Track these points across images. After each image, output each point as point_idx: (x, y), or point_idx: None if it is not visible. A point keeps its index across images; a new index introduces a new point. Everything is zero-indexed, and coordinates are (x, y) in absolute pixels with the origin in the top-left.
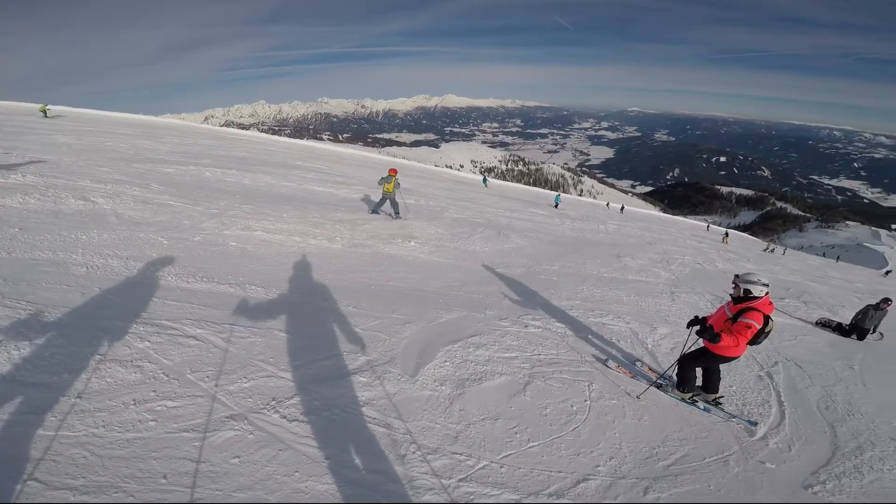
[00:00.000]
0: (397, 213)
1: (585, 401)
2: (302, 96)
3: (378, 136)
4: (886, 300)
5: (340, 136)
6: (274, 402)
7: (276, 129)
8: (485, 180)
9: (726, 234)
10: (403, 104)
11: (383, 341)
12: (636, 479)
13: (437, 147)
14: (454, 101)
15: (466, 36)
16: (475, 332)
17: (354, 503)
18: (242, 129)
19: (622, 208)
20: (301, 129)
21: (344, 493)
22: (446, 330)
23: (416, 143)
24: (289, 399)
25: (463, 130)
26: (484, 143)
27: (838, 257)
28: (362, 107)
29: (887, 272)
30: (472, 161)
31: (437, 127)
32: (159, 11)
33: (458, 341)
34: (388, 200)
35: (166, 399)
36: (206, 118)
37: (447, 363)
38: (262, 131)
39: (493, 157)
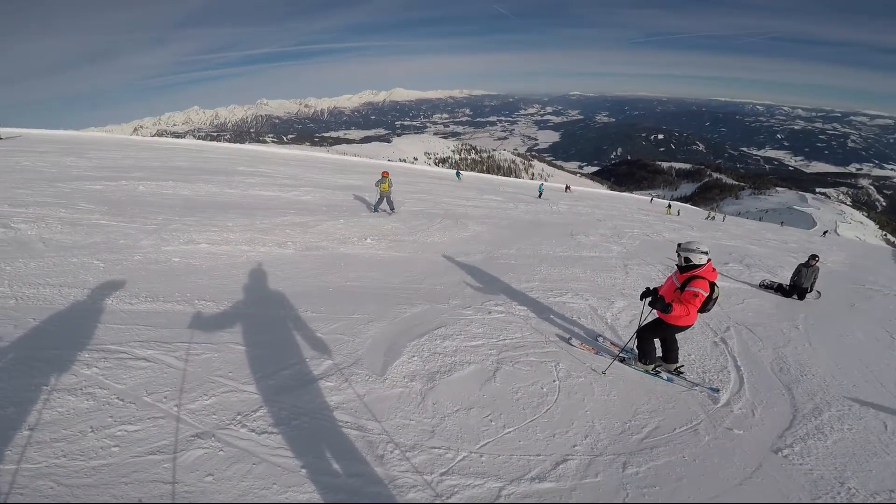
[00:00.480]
0: (392, 209)
1: (554, 381)
2: (239, 99)
3: (325, 134)
4: (814, 256)
5: (285, 138)
6: (240, 417)
7: (215, 134)
8: (458, 174)
9: (669, 206)
10: (350, 101)
11: (347, 343)
12: (613, 456)
13: (388, 142)
14: (403, 94)
15: (410, 28)
16: (440, 323)
17: None
18: (177, 137)
19: (567, 188)
20: (241, 133)
21: (327, 501)
22: (411, 325)
23: (366, 140)
24: (255, 412)
25: (414, 123)
26: (436, 134)
27: (782, 222)
28: (306, 106)
29: (825, 232)
30: (425, 153)
31: (387, 121)
32: (71, 16)
33: (424, 335)
34: (384, 199)
35: (126, 423)
36: (136, 129)
37: (415, 358)
38: (198, 138)
39: (446, 147)
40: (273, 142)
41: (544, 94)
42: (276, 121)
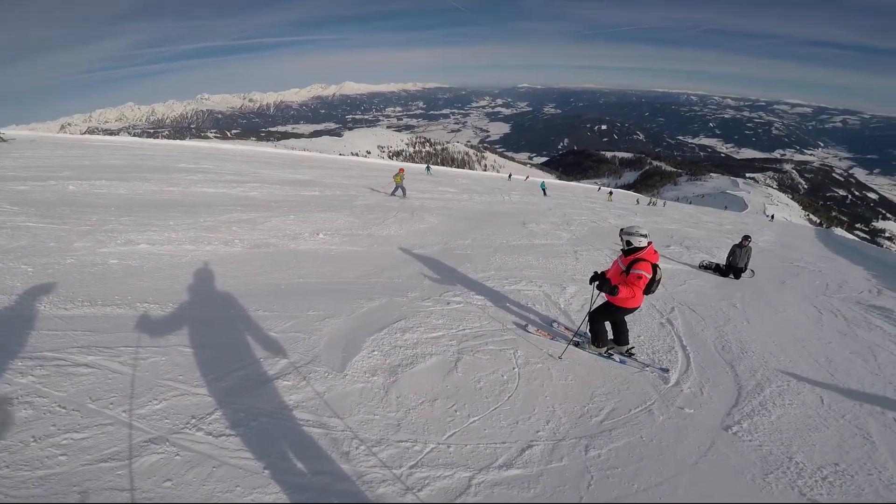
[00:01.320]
0: (404, 195)
1: (514, 368)
2: (178, 95)
3: (272, 129)
4: (746, 237)
5: (229, 133)
6: (194, 420)
7: (151, 131)
8: (428, 168)
9: (610, 193)
10: (297, 95)
11: (302, 341)
12: (575, 439)
13: (339, 136)
14: (354, 88)
15: (362, 22)
16: (400, 316)
17: None
18: (110, 134)
19: (510, 176)
20: (181, 129)
21: (294, 501)
22: (370, 319)
23: (315, 134)
24: (210, 415)
25: (366, 117)
26: (389, 127)
27: (726, 206)
28: (250, 101)
29: (772, 217)
30: (378, 146)
31: (338, 115)
32: None
33: (383, 329)
34: (399, 188)
35: (71, 431)
36: (63, 127)
37: (375, 352)
38: (134, 135)
39: (400, 140)
40: (216, 137)
41: (495, 86)
42: (219, 116)
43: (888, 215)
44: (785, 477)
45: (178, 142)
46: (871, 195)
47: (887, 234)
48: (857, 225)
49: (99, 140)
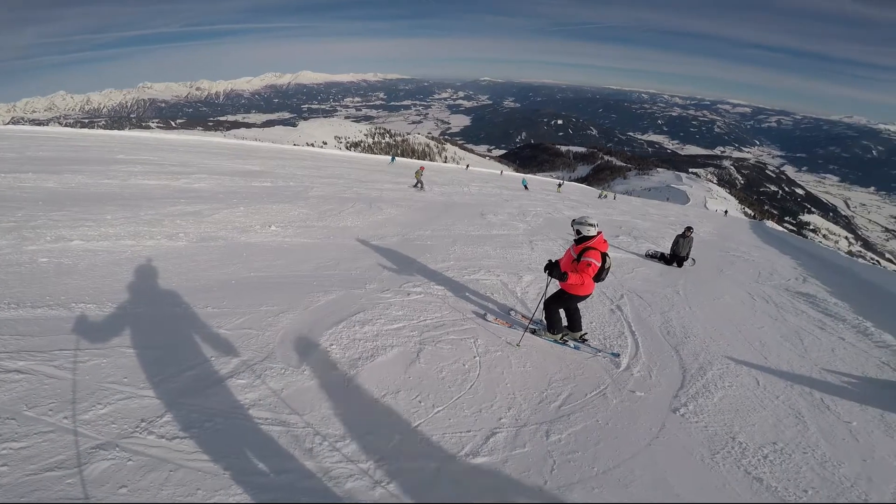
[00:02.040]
0: (422, 188)
1: (475, 357)
2: (117, 83)
3: (221, 118)
4: (689, 228)
5: (173, 123)
6: (144, 424)
7: (86, 121)
8: (393, 158)
9: (559, 185)
10: (249, 83)
11: (256, 337)
12: (536, 425)
13: (294, 126)
14: (310, 77)
15: (321, 10)
16: (358, 308)
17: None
18: (38, 125)
19: (467, 167)
20: (120, 120)
21: (260, 500)
22: (327, 312)
23: (268, 123)
24: (160, 417)
25: (323, 107)
26: (347, 118)
27: (668, 198)
28: (197, 89)
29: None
30: (336, 137)
31: (293, 105)
32: None
33: (341, 322)
34: (419, 182)
35: (9, 441)
36: None
37: (334, 346)
38: (66, 125)
39: (358, 131)
40: (159, 127)
41: (457, 78)
42: (162, 105)
43: (812, 209)
44: (730, 456)
45: (115, 132)
46: (799, 191)
47: (811, 227)
48: (786, 218)
49: (24, 130)
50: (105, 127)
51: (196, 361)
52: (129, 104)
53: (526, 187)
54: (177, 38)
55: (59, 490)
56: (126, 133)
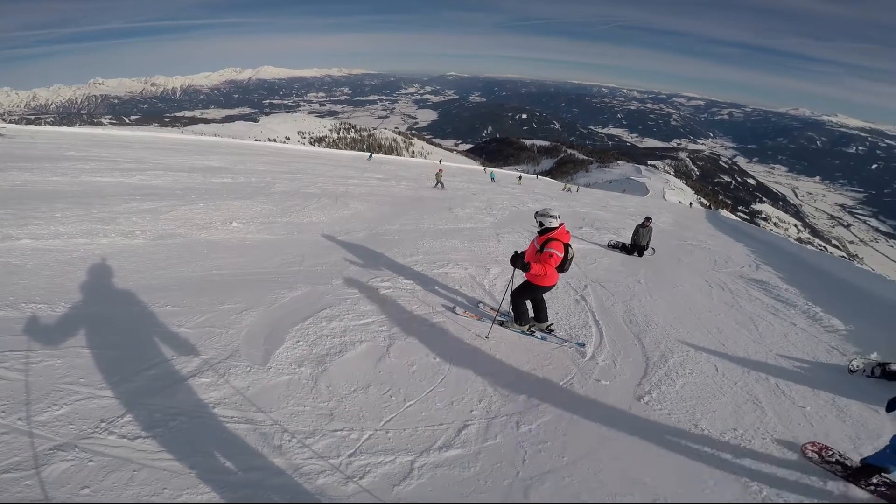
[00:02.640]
0: (443, 187)
1: (445, 350)
2: (66, 79)
3: (178, 114)
4: (648, 218)
5: (127, 119)
6: (104, 424)
7: (32, 118)
8: (370, 156)
9: (519, 178)
10: (208, 79)
11: (219, 336)
12: (507, 417)
13: (255, 121)
14: (272, 72)
15: (283, 5)
16: (325, 304)
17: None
18: None
19: (440, 161)
20: (70, 116)
21: (229, 499)
22: (292, 309)
23: (228, 119)
24: (121, 417)
25: (285, 102)
26: (311, 112)
27: (624, 190)
28: (153, 85)
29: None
30: (299, 132)
31: (254, 100)
32: None
33: (307, 318)
34: (439, 182)
35: None
36: None
37: (300, 343)
38: (9, 122)
39: (323, 126)
40: (111, 123)
41: (424, 73)
42: (115, 101)
43: (764, 199)
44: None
45: (64, 129)
46: (751, 181)
47: (763, 216)
48: (740, 207)
49: None
50: (53, 124)
51: (156, 361)
52: (79, 100)
53: (493, 179)
54: (130, 33)
55: (18, 492)
56: (75, 129)
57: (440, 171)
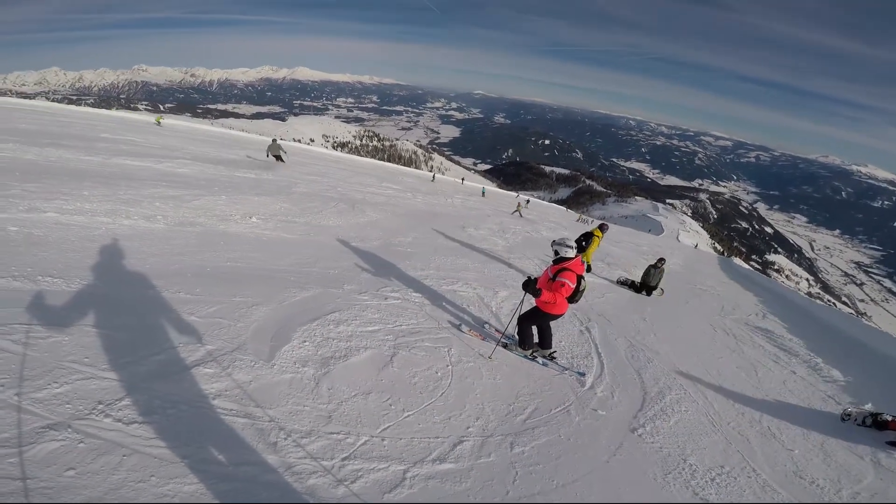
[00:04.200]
0: (521, 216)
1: (447, 366)
2: (112, 63)
3: (211, 106)
4: (661, 260)
5: (162, 107)
6: (102, 406)
7: (74, 98)
8: (484, 190)
9: (527, 202)
10: (245, 74)
11: (227, 328)
12: (502, 436)
13: (283, 120)
14: (306, 73)
15: (324, 8)
16: (334, 308)
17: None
18: (25, 97)
19: (462, 180)
20: (108, 99)
21: (217, 492)
22: (302, 309)
23: (258, 116)
24: (119, 401)
25: (315, 104)
26: (338, 117)
27: (660, 231)
28: (192, 75)
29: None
30: (323, 135)
31: (285, 100)
32: None
33: (316, 319)
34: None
35: None
36: None
37: (307, 343)
38: (53, 101)
39: (347, 132)
40: (147, 109)
41: (451, 89)
42: (154, 88)
43: (779, 249)
44: (681, 477)
45: (102, 111)
46: (768, 229)
47: (776, 267)
48: (753, 256)
49: (8, 102)
50: (93, 105)
51: (163, 346)
52: (120, 84)
53: (483, 194)
54: (177, 23)
55: (0, 469)
56: (112, 112)
57: (519, 204)
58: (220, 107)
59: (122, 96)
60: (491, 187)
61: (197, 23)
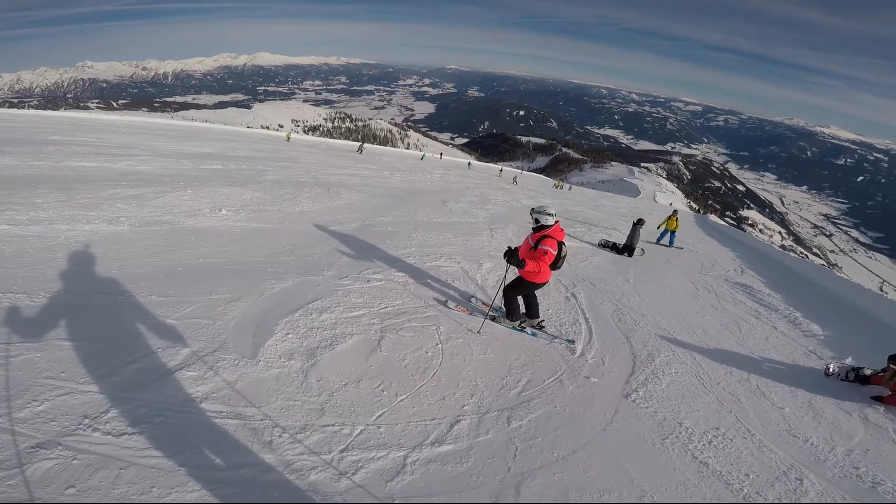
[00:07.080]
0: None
1: (437, 345)
2: (53, 62)
3: (169, 99)
4: (641, 220)
5: (115, 104)
6: (87, 420)
7: (16, 101)
8: (360, 148)
9: (500, 171)
10: (202, 64)
11: (206, 327)
12: (498, 412)
13: (248, 108)
14: (268, 59)
15: None
16: (316, 296)
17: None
18: None
19: (441, 155)
20: (55, 100)
21: (219, 496)
22: (281, 300)
23: (221, 105)
24: (104, 413)
25: (280, 89)
26: (306, 101)
27: (637, 194)
28: (144, 69)
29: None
30: (293, 120)
31: (248, 87)
32: None
33: (297, 310)
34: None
35: None
36: None
37: (290, 335)
38: None
39: (317, 115)
40: (98, 108)
41: (423, 65)
42: (104, 85)
43: (751, 205)
44: (678, 441)
45: (49, 112)
46: (740, 187)
47: (750, 222)
48: (727, 213)
49: None
50: (37, 107)
51: (141, 353)
52: (65, 84)
53: (469, 167)
54: (122, 16)
55: (1, 492)
56: (60, 114)
57: (501, 171)
58: (179, 99)
59: (69, 95)
60: (475, 162)
61: (145, 14)
